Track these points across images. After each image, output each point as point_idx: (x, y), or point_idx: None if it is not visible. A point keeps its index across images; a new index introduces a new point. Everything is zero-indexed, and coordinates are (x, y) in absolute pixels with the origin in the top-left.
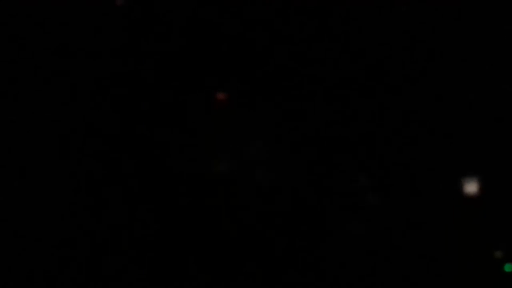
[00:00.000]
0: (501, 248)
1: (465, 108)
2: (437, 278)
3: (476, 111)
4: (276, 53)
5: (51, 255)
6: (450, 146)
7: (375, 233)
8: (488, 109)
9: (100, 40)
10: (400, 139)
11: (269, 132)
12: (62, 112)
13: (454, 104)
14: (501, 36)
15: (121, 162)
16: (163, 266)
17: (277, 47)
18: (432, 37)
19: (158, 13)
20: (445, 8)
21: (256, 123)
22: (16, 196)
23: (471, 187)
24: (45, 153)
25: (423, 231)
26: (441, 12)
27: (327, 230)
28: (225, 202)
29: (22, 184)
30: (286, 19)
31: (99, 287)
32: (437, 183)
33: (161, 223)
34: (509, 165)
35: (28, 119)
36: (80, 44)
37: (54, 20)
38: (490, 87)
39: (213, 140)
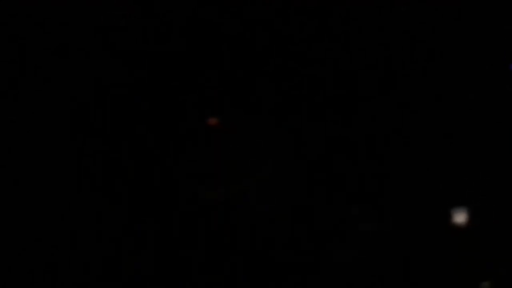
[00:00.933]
0: (489, 279)
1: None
2: None
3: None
4: (276, 53)
5: (51, 255)
6: (441, 177)
7: (366, 260)
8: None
9: (100, 40)
10: (390, 165)
11: (267, 156)
12: (62, 112)
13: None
14: (501, 36)
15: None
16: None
17: (277, 47)
18: (432, 37)
19: (158, 13)
20: (445, 8)
21: (255, 145)
22: (16, 196)
23: (460, 217)
24: (45, 153)
25: (411, 260)
26: (441, 12)
27: (319, 257)
28: (218, 228)
29: (21, 184)
30: (286, 19)
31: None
32: (426, 213)
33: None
34: (499, 195)
35: (28, 119)
36: (80, 44)
37: (54, 20)
38: (490, 88)
39: (208, 165)
